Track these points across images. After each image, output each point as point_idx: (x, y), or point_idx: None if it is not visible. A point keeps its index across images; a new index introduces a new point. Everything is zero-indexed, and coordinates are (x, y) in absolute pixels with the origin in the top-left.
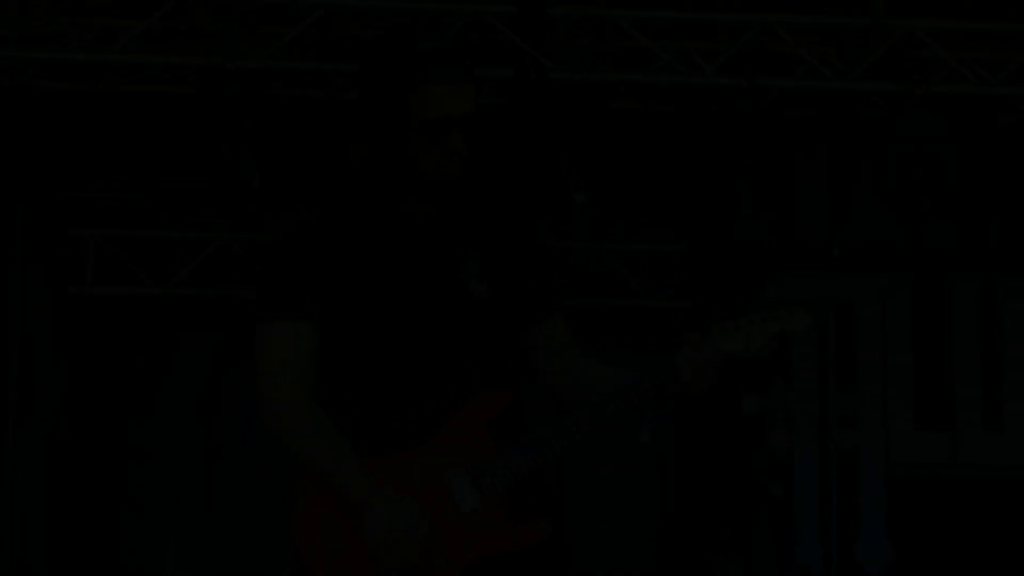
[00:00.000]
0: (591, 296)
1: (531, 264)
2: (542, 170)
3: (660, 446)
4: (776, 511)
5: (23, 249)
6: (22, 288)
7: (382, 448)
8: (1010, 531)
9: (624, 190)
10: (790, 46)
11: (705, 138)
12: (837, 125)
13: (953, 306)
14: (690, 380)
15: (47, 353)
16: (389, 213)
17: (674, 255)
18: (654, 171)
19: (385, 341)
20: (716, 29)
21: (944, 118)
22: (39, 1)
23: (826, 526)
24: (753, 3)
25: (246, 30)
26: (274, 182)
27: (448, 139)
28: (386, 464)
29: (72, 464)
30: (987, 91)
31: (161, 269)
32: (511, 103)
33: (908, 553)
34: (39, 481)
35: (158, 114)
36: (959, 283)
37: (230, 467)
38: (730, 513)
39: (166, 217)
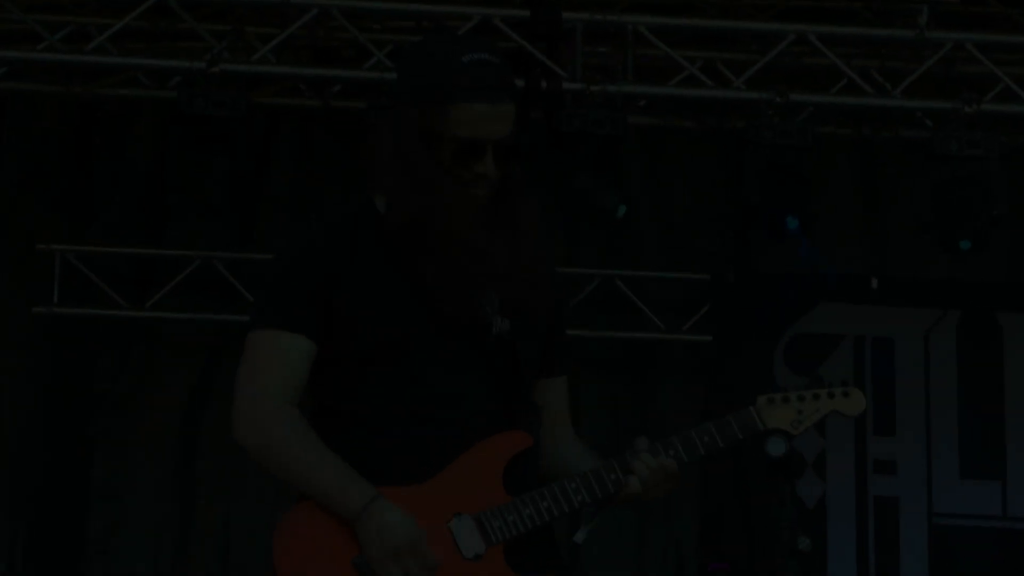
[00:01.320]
0: (601, 328)
1: (554, 311)
2: (553, 189)
3: (679, 497)
4: (806, 567)
5: None
6: None
7: (385, 479)
8: None
9: (641, 212)
10: (826, 58)
11: (732, 157)
12: (877, 145)
13: (1003, 344)
14: (640, 492)
15: (15, 378)
16: (408, 232)
17: (695, 284)
18: (675, 192)
19: (394, 367)
20: (746, 39)
21: (995, 139)
22: None
23: None
24: (786, 11)
25: (232, 31)
26: (259, 196)
27: (479, 161)
28: (389, 496)
29: (39, 505)
30: None
31: (135, 289)
32: (520, 116)
33: None
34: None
35: (136, 120)
36: (1009, 320)
37: (211, 510)
38: (754, 570)
39: (142, 232)
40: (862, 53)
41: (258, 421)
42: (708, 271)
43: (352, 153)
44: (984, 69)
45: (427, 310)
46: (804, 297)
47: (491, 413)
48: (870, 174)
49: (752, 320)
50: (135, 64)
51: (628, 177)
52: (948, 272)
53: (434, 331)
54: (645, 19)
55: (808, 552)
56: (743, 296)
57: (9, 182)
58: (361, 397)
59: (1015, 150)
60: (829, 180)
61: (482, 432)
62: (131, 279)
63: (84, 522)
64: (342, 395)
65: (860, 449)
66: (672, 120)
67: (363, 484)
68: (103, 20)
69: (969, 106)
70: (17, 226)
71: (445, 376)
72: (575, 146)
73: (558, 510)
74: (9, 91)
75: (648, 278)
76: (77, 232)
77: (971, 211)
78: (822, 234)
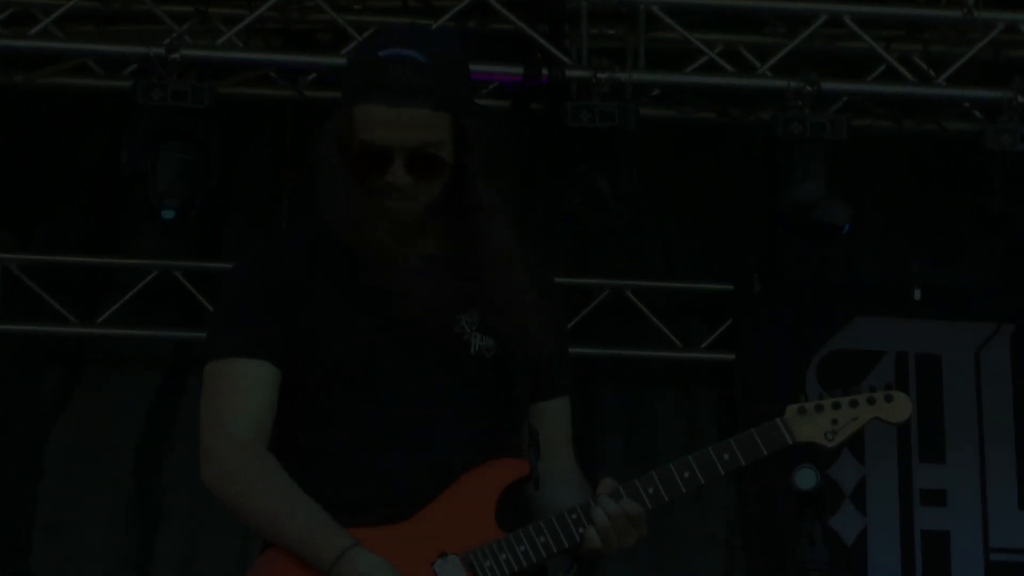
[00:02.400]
0: (610, 345)
1: (543, 327)
2: (554, 188)
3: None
4: None
5: None
6: None
7: (363, 519)
8: None
9: (656, 215)
10: (863, 42)
11: (756, 153)
12: (920, 139)
13: None
14: (600, 546)
15: None
16: (368, 245)
17: (716, 296)
18: (692, 193)
19: (360, 391)
20: (772, 20)
21: None
22: None
23: None
24: None
25: (194, 12)
26: (224, 198)
27: (386, 170)
28: (367, 537)
29: None
30: None
31: (86, 302)
32: (518, 107)
33: None
34: None
35: (86, 113)
36: None
37: (172, 544)
38: None
39: (93, 239)
40: (903, 36)
41: (223, 464)
42: (730, 280)
43: None
44: None
45: (391, 327)
46: (840, 309)
47: (476, 438)
48: (912, 171)
49: (781, 336)
50: (84, 50)
51: (639, 176)
52: (1000, 281)
53: (401, 349)
54: None
55: None
56: (770, 308)
57: None
58: (327, 427)
59: None
60: (866, 178)
61: (466, 460)
62: (81, 291)
63: (28, 557)
64: (307, 425)
65: (905, 478)
66: (689, 112)
67: (336, 532)
68: (48, 0)
69: (1022, 95)
70: None
71: (417, 399)
72: (579, 141)
73: (545, 551)
74: None
75: (663, 289)
76: (20, 240)
77: None
78: (859, 238)
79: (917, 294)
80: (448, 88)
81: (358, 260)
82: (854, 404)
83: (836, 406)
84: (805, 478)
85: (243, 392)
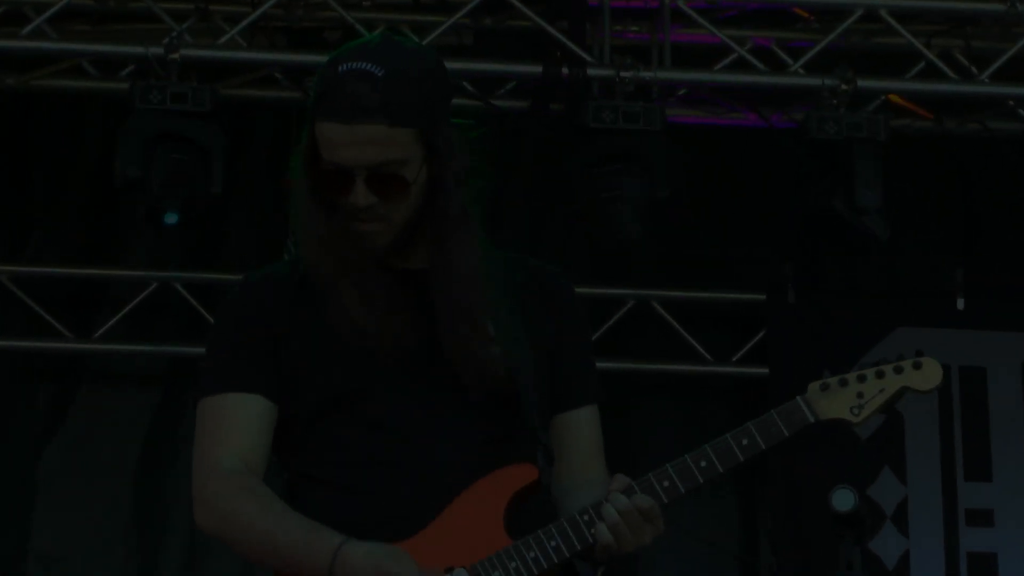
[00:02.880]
0: (635, 359)
1: (557, 332)
2: (575, 194)
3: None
4: None
5: None
6: None
7: (367, 536)
8: None
9: (683, 222)
10: (901, 37)
11: (790, 155)
12: (963, 140)
13: None
14: (611, 542)
15: None
16: (313, 255)
17: (748, 306)
18: (721, 197)
19: (358, 419)
20: (805, 15)
21: None
22: None
23: None
24: None
25: (195, 10)
26: (227, 205)
27: (346, 190)
28: None
29: None
30: None
31: (82, 316)
32: (537, 108)
33: None
34: None
35: (82, 117)
36: None
37: (172, 574)
38: None
39: (89, 249)
40: (944, 31)
41: (214, 499)
42: (763, 290)
43: None
44: None
45: (395, 352)
46: (879, 320)
47: (479, 454)
48: (954, 173)
49: (817, 348)
50: (79, 50)
51: (665, 180)
52: None
53: (393, 371)
54: None
55: None
56: (806, 319)
57: None
58: (322, 455)
59: None
60: (906, 181)
61: (468, 476)
62: (76, 304)
63: None
64: (304, 455)
65: (949, 497)
66: (718, 112)
67: (328, 533)
68: None
69: None
70: None
71: (412, 419)
72: (601, 143)
73: (557, 555)
74: None
75: (691, 299)
76: (13, 250)
77: None
78: (899, 245)
79: (961, 303)
80: (408, 101)
81: (360, 279)
82: (880, 375)
83: (861, 379)
84: (843, 499)
85: (234, 427)
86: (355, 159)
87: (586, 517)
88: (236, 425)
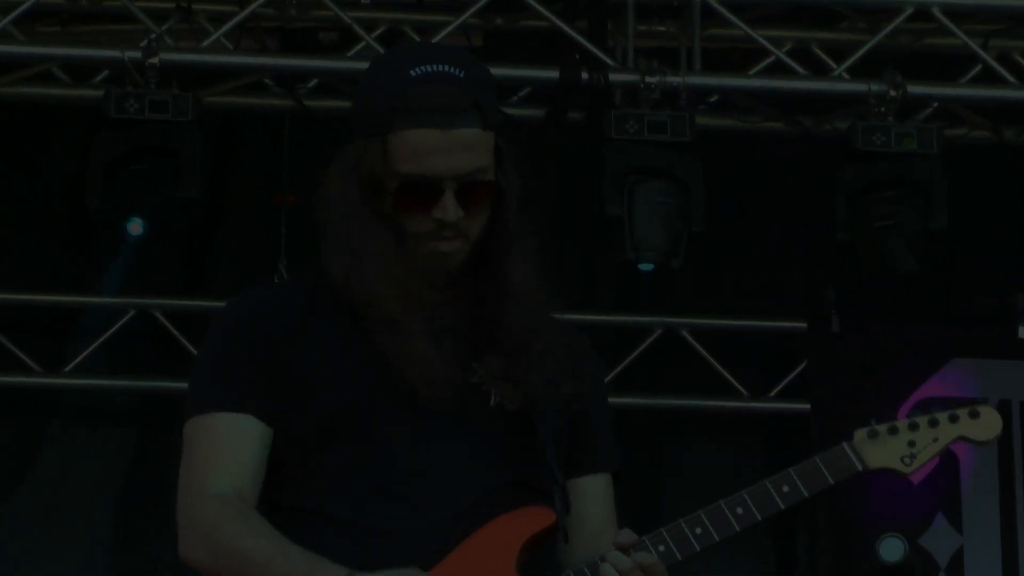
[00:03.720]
0: (663, 394)
1: (577, 390)
2: (595, 212)
3: None
4: None
5: None
6: None
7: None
8: None
9: (714, 242)
10: (956, 38)
11: (832, 169)
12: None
13: None
14: None
15: None
16: (376, 287)
17: (787, 336)
18: (758, 215)
19: (364, 448)
20: (850, 14)
21: None
22: None
23: None
24: None
25: (176, 10)
26: (211, 225)
27: (433, 204)
28: None
29: None
30: None
31: (52, 348)
32: (554, 116)
33: None
34: None
35: (51, 127)
36: None
37: None
38: None
39: (60, 274)
40: (1002, 31)
41: (203, 527)
42: (804, 318)
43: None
44: None
45: (394, 378)
46: (933, 351)
47: (493, 495)
48: (1015, 188)
49: (863, 382)
50: (48, 55)
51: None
52: None
53: (404, 400)
54: None
55: None
56: (851, 350)
57: None
58: (325, 486)
59: None
60: (962, 197)
61: (481, 517)
62: (46, 335)
63: None
64: (302, 486)
65: (1010, 547)
66: (753, 120)
67: (333, 566)
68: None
69: None
70: None
71: (423, 453)
72: (627, 153)
73: None
74: None
75: (725, 328)
76: None
77: None
78: (955, 268)
79: (1023, 331)
80: (489, 103)
81: (364, 317)
82: (934, 423)
83: (913, 427)
84: (891, 549)
85: (226, 449)
86: (448, 167)
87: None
88: (227, 447)
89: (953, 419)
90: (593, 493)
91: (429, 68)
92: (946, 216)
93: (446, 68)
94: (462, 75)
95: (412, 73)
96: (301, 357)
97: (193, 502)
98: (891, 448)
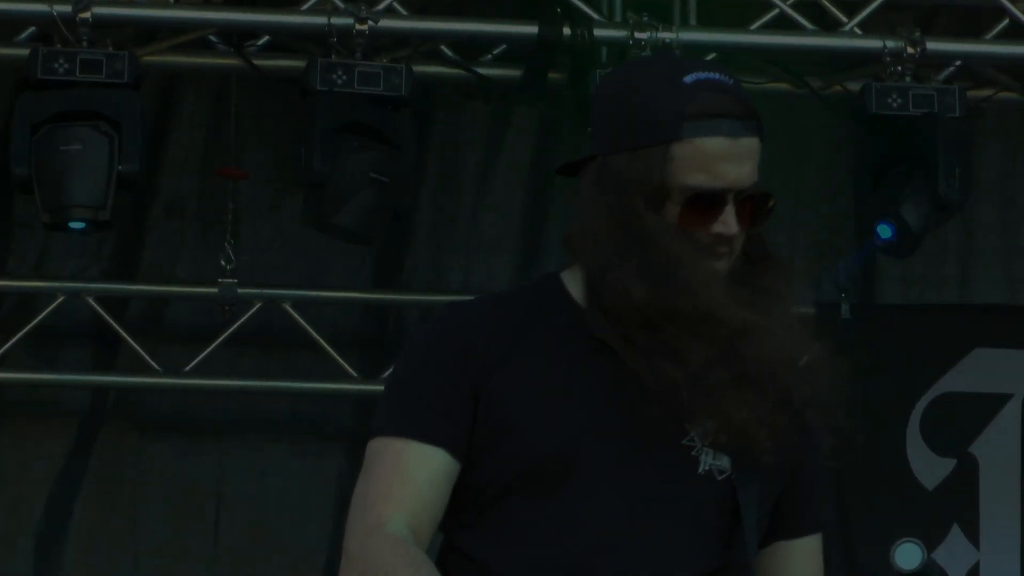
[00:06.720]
0: None
1: (795, 447)
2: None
3: None
4: None
5: None
6: None
7: None
8: None
9: None
10: None
11: (845, 135)
12: None
13: None
14: None
15: None
16: (634, 322)
17: None
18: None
19: (558, 505)
20: None
21: None
22: None
23: None
24: None
25: None
26: (149, 199)
27: (716, 218)
28: None
29: None
30: None
31: None
32: (532, 77)
33: None
34: None
35: None
36: None
37: None
38: None
39: None
40: None
41: (370, 560)
42: (813, 303)
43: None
44: None
45: (605, 426)
46: (953, 339)
47: (689, 572)
48: None
49: (877, 374)
50: None
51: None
52: None
53: (612, 452)
54: None
55: None
56: (864, 339)
57: None
58: (508, 541)
59: None
60: (986, 166)
61: None
62: None
63: None
64: (484, 537)
65: None
66: (756, 81)
67: None
68: None
69: None
70: None
71: (623, 516)
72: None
73: None
74: None
75: None
76: None
77: None
78: (977, 250)
79: None
80: (756, 112)
81: (601, 343)
82: None
83: None
84: (908, 556)
85: (410, 482)
86: (736, 178)
87: None
88: (413, 481)
89: None
90: (802, 555)
91: (703, 75)
92: (956, 186)
93: (717, 76)
94: (732, 83)
95: (687, 80)
96: (504, 391)
97: (367, 534)
98: None
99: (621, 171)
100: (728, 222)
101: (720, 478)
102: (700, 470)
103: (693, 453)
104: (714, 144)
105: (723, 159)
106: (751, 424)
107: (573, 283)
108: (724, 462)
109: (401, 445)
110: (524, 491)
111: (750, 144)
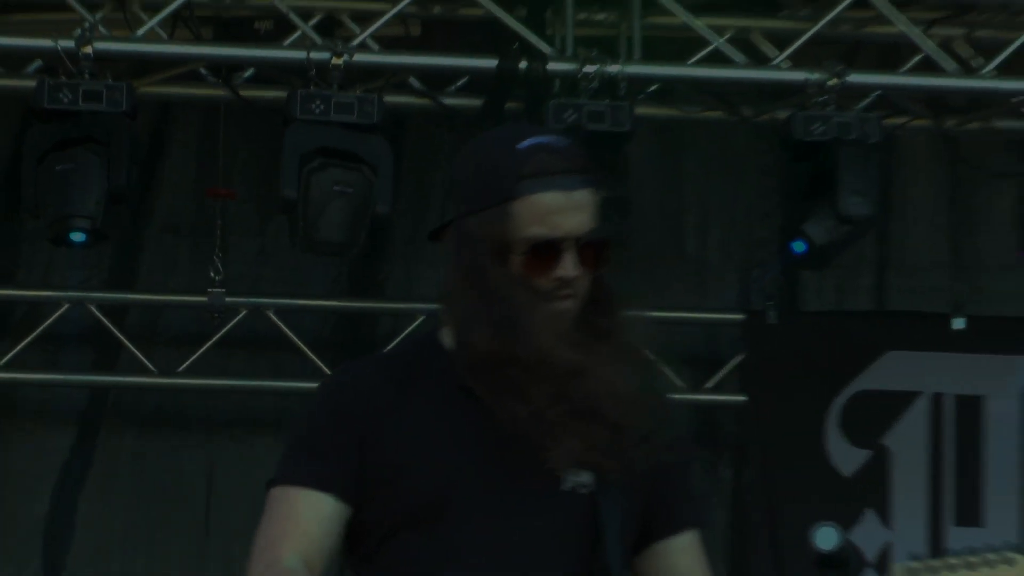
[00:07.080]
0: None
1: (645, 462)
2: None
3: None
4: None
5: None
6: None
7: None
8: None
9: (652, 233)
10: (896, 27)
11: (771, 159)
12: (963, 142)
13: None
14: None
15: None
16: (486, 366)
17: (724, 327)
18: (696, 204)
19: (436, 542)
20: (791, 1)
21: None
22: None
23: None
24: None
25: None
26: (146, 217)
27: (556, 264)
28: None
29: None
30: None
31: None
32: (492, 106)
33: None
34: None
35: None
36: None
37: None
38: None
39: None
40: (944, 19)
41: None
42: (741, 309)
43: (269, 158)
44: None
45: (477, 463)
46: (868, 342)
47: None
48: (954, 179)
49: (800, 374)
50: None
51: (634, 186)
52: None
53: (484, 489)
54: None
55: None
56: (788, 342)
57: None
58: (395, 570)
59: None
60: (900, 187)
61: None
62: None
63: None
64: (376, 567)
65: (936, 543)
66: (693, 110)
67: None
68: None
69: None
70: None
71: (494, 546)
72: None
73: None
74: None
75: (658, 319)
76: None
77: None
78: (890, 260)
79: (958, 323)
80: (591, 167)
81: (468, 386)
82: (970, 567)
83: (951, 568)
84: (826, 538)
85: (302, 525)
86: (573, 226)
87: None
88: (305, 523)
89: (989, 564)
90: (676, 556)
91: (536, 140)
92: (859, 203)
93: (549, 139)
94: (565, 144)
95: (522, 145)
96: (390, 440)
97: (267, 571)
98: None
99: (472, 231)
100: (567, 267)
101: (584, 492)
102: (564, 487)
103: (557, 474)
104: (548, 199)
105: (558, 211)
106: (591, 451)
107: (448, 337)
108: (586, 478)
109: (295, 493)
110: (411, 526)
111: (583, 196)
